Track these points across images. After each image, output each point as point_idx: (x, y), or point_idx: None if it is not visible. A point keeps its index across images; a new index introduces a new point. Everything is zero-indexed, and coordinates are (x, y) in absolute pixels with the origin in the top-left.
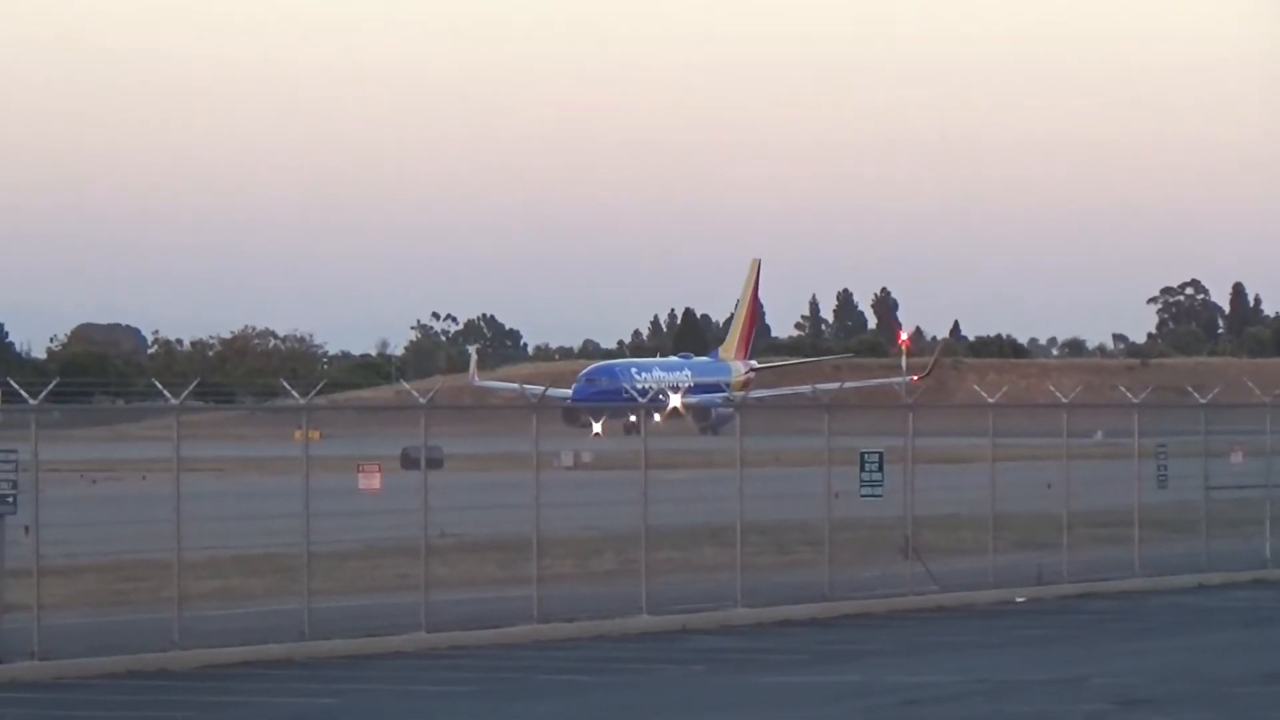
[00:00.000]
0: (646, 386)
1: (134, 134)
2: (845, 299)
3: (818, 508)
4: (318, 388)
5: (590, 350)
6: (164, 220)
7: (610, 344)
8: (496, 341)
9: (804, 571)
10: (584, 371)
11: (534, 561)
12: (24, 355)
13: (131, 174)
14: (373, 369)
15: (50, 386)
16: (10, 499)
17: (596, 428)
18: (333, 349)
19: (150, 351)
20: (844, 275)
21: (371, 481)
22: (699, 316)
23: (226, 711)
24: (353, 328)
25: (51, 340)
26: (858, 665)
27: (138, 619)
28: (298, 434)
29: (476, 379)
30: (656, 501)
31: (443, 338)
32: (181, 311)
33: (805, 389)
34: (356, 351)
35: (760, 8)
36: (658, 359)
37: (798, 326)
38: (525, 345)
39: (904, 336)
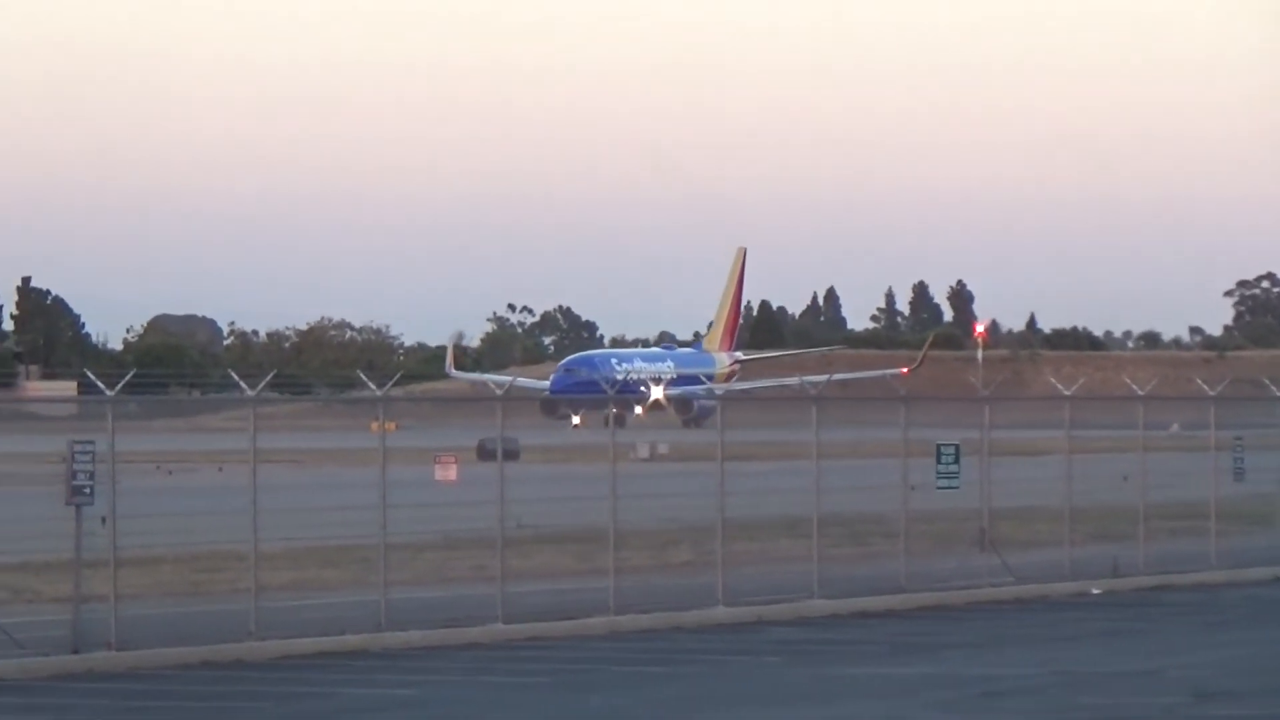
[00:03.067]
0: (627, 378)
1: (211, 126)
2: (921, 291)
3: (894, 500)
4: (394, 379)
5: (665, 340)
6: (240, 211)
7: (686, 335)
8: (573, 333)
9: (880, 563)
10: (563, 362)
11: (610, 553)
12: (100, 346)
13: (208, 165)
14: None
15: (126, 378)
16: (88, 490)
17: (575, 420)
18: (409, 340)
19: (226, 343)
20: (920, 267)
21: (448, 473)
22: (775, 309)
23: (303, 702)
24: (429, 319)
25: (128, 331)
26: (934, 657)
27: (214, 610)
28: (374, 425)
29: (453, 370)
30: (733, 493)
31: (519, 329)
32: (257, 302)
33: (793, 380)
34: (433, 343)
35: None
36: (639, 349)
37: (873, 319)
38: (601, 336)
39: (980, 329)
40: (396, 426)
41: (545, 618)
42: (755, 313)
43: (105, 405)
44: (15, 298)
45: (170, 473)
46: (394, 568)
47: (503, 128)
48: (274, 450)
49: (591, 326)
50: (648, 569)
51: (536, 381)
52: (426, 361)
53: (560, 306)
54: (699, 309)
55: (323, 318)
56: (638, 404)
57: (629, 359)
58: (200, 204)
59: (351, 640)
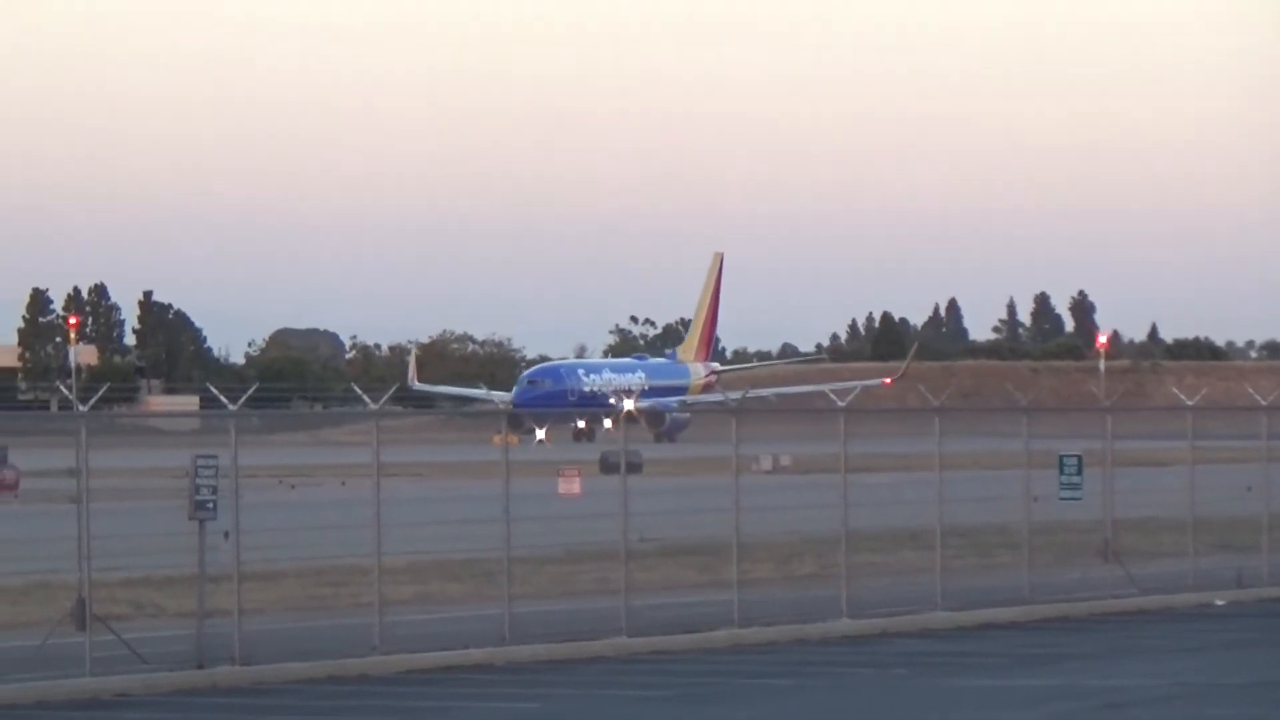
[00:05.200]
0: (595, 389)
1: (333, 143)
2: (1042, 302)
3: (1017, 511)
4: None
5: (788, 353)
6: (361, 226)
7: (808, 347)
8: None
9: (1003, 574)
10: (526, 373)
11: (734, 565)
12: (223, 361)
13: (330, 180)
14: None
15: (249, 392)
16: (211, 505)
17: (540, 434)
18: (530, 353)
19: (348, 356)
20: (1041, 278)
21: (571, 486)
22: (897, 320)
23: (427, 717)
24: (551, 332)
25: (250, 345)
26: (1058, 668)
27: (338, 624)
28: (496, 438)
29: (416, 382)
30: (856, 505)
31: (641, 341)
32: (379, 316)
33: (767, 393)
34: (555, 355)
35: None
36: (609, 360)
37: (995, 330)
38: (724, 349)
39: (1102, 339)
40: (520, 439)
41: (669, 631)
42: (877, 324)
43: (228, 419)
44: (137, 312)
45: (293, 487)
46: (517, 581)
47: (629, 143)
48: (397, 464)
49: (714, 339)
50: (771, 581)
51: (501, 394)
52: None
53: (682, 319)
54: (823, 320)
55: (444, 331)
56: (607, 417)
57: (597, 370)
58: (322, 219)
59: (475, 654)
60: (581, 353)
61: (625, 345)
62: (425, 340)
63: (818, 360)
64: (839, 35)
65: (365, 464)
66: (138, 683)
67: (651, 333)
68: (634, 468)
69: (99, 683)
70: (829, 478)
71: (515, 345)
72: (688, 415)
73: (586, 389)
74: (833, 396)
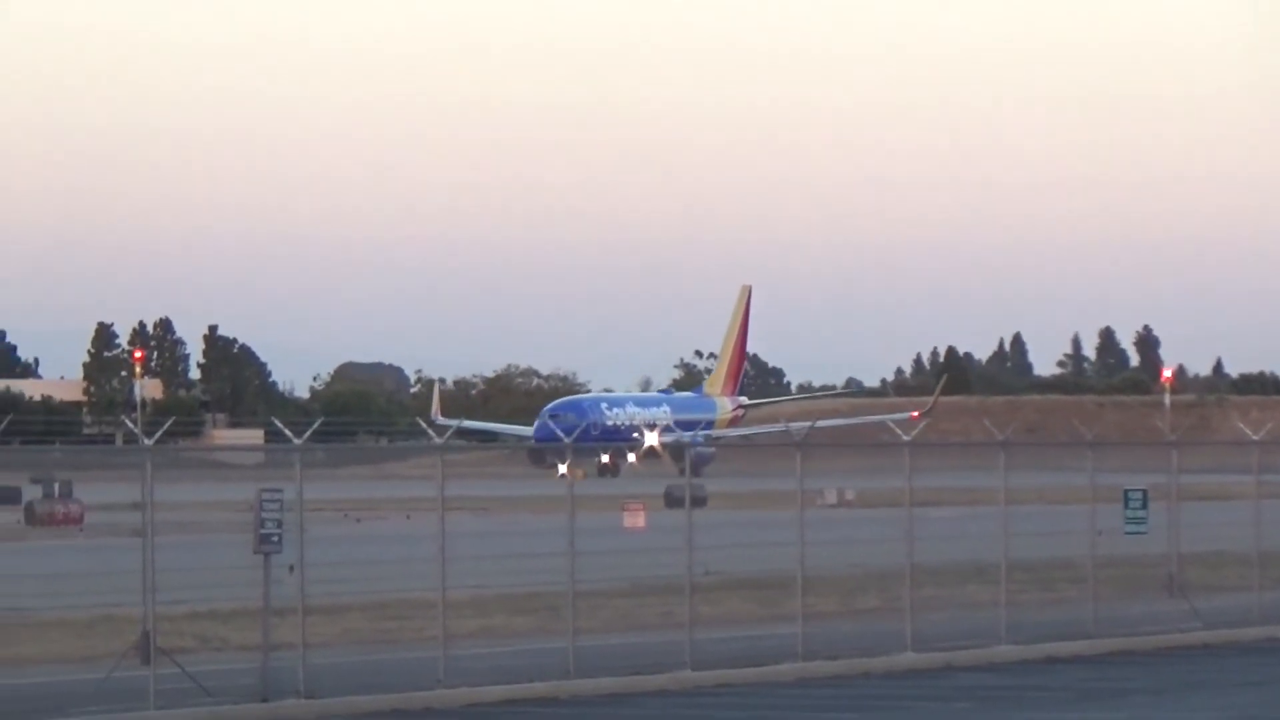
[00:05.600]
0: (619, 424)
1: (399, 179)
2: (1107, 336)
3: (1081, 544)
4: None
5: (852, 388)
6: (426, 260)
7: (873, 382)
8: (760, 379)
9: (1068, 608)
10: (547, 407)
11: (799, 599)
12: (287, 395)
13: (397, 216)
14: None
15: (314, 426)
16: (276, 538)
17: (562, 469)
18: (595, 387)
19: (413, 390)
20: (1106, 313)
21: (636, 519)
22: (961, 355)
23: None
24: (616, 366)
25: (314, 379)
26: (1123, 703)
27: (402, 657)
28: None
29: (439, 417)
30: (920, 539)
31: (705, 375)
32: (444, 350)
33: (779, 427)
34: (619, 388)
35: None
36: (633, 394)
37: (1060, 365)
38: (788, 383)
39: (1166, 374)
40: (585, 474)
41: (733, 664)
42: (942, 359)
43: (293, 453)
44: (202, 346)
45: (358, 520)
46: (582, 615)
47: (691, 174)
48: (462, 498)
49: (778, 373)
50: (835, 615)
51: (509, 428)
52: None
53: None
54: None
55: (509, 365)
56: (631, 451)
57: (620, 403)
58: (388, 254)
59: (539, 688)
60: (646, 386)
61: (690, 380)
62: (490, 374)
63: (846, 395)
64: (908, 64)
65: (430, 498)
66: (202, 716)
67: (715, 366)
68: (698, 501)
69: (164, 716)
70: (893, 512)
71: (580, 379)
72: (713, 450)
73: (610, 423)
74: (897, 430)
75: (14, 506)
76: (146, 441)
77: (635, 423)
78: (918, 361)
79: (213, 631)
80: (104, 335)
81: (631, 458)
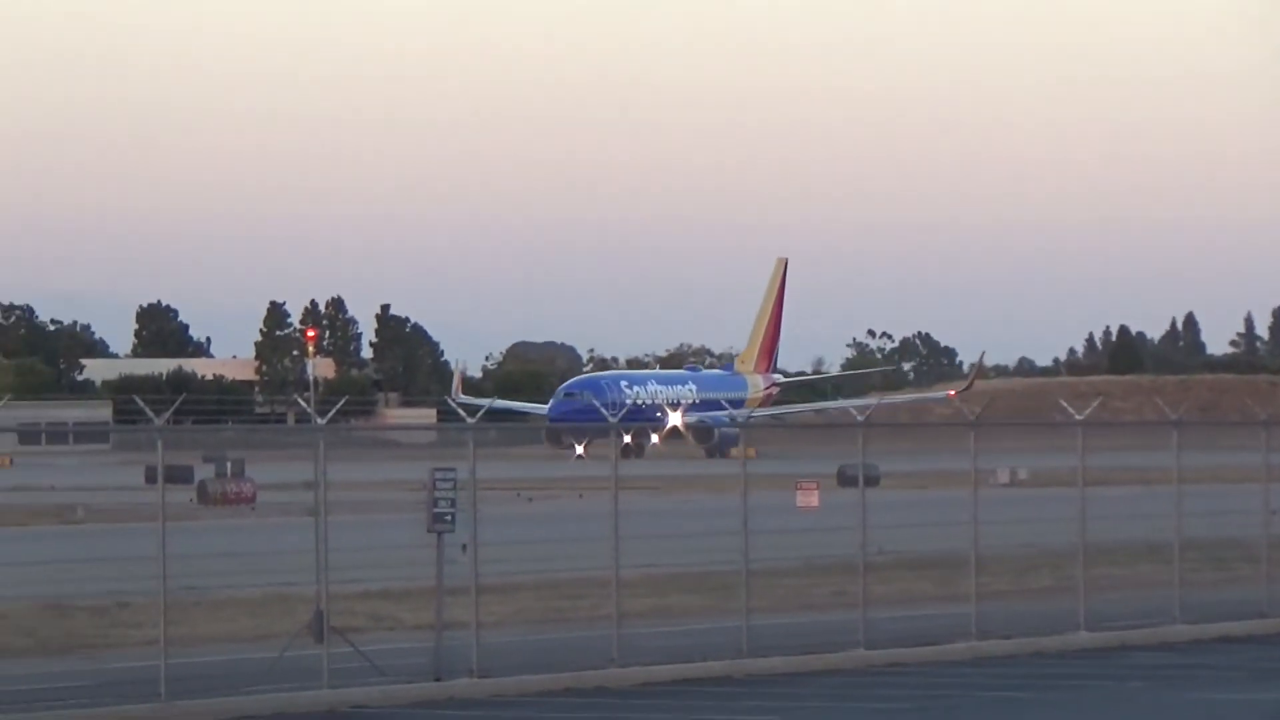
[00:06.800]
0: (640, 402)
1: (571, 158)
2: None
3: (1255, 524)
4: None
5: (1025, 368)
6: (598, 240)
7: (1046, 361)
8: (932, 359)
9: (1242, 588)
10: (564, 385)
11: (972, 578)
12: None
13: (571, 199)
14: (807, 387)
15: (486, 405)
16: (449, 518)
17: (579, 449)
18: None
19: (585, 369)
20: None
21: (810, 499)
22: (1134, 334)
23: None
24: (789, 345)
25: (487, 359)
26: None
27: (575, 636)
28: (734, 451)
29: (461, 395)
30: (1093, 518)
31: (878, 355)
32: (617, 329)
33: (831, 405)
34: (792, 369)
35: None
36: (656, 371)
37: (1232, 344)
38: (960, 363)
39: None
40: (757, 453)
41: (906, 644)
42: (1114, 337)
43: (466, 433)
44: (375, 325)
45: (531, 500)
46: (755, 594)
47: (839, 153)
48: (635, 477)
49: (951, 352)
50: (1008, 594)
51: (537, 407)
52: (784, 389)
53: (919, 333)
54: (1060, 334)
55: (681, 344)
56: (653, 431)
57: (641, 381)
58: (559, 234)
59: (714, 667)
60: (819, 366)
61: (862, 359)
62: (663, 354)
63: (885, 372)
64: (1068, 46)
65: (603, 477)
66: (375, 695)
67: (889, 346)
68: (872, 481)
69: (337, 695)
70: (1066, 491)
71: None
72: (737, 430)
73: (630, 401)
74: (1069, 409)
75: (187, 486)
76: (319, 421)
77: (658, 401)
78: (1090, 341)
79: (385, 611)
80: (276, 314)
81: (654, 438)
